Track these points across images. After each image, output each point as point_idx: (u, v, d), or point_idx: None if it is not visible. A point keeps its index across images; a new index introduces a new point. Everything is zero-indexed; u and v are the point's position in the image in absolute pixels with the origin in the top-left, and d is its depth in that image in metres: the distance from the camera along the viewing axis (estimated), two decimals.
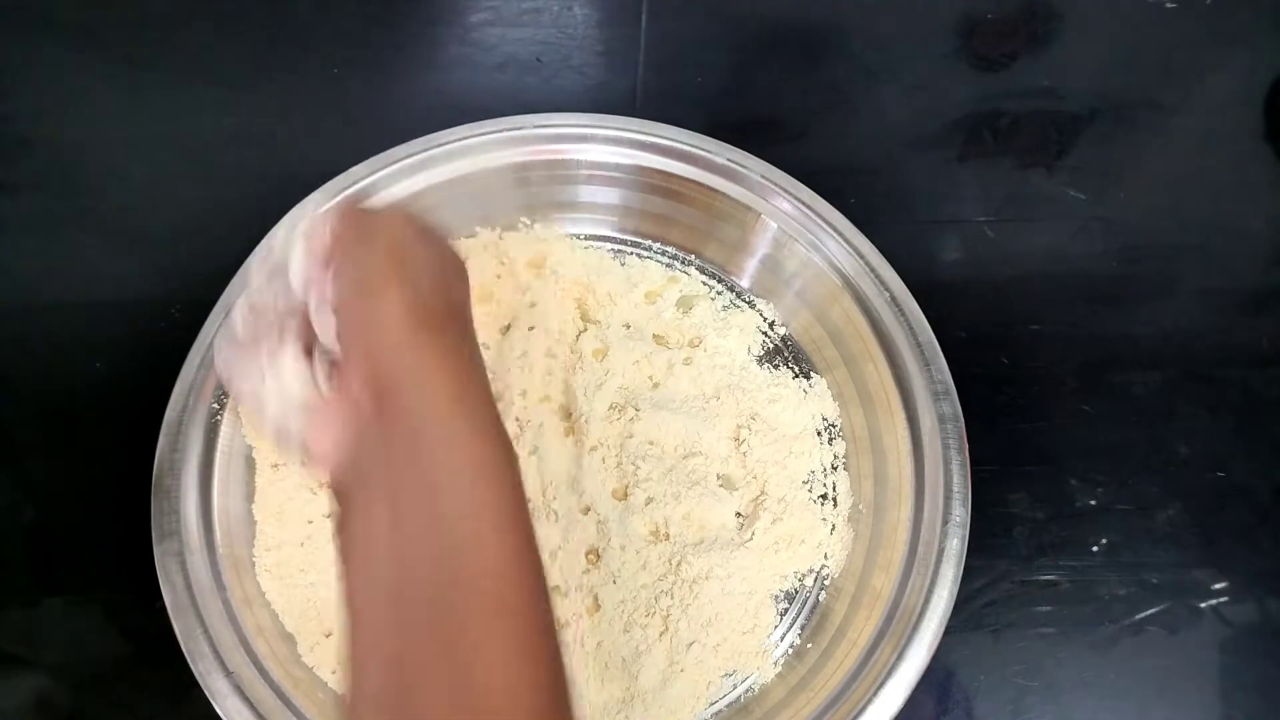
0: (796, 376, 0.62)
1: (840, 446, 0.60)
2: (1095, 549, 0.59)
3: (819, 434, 0.60)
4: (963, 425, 0.54)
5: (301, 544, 0.55)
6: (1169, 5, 0.79)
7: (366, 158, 0.62)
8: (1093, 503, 0.60)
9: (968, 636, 0.55)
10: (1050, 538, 0.59)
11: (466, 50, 0.76)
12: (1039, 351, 0.65)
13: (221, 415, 0.55)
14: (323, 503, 0.55)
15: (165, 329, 0.61)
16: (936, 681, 0.55)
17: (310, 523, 0.55)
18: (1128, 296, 0.68)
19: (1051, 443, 0.62)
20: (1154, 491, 0.61)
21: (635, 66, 0.74)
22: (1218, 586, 0.58)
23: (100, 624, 0.56)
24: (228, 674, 0.48)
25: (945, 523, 0.52)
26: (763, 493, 0.58)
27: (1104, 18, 0.79)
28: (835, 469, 0.60)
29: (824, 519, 0.58)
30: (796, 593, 0.57)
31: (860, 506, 0.58)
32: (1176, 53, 0.78)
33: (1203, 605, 0.57)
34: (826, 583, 0.57)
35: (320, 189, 0.60)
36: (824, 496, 0.59)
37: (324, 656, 0.53)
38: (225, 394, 0.55)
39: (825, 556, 0.57)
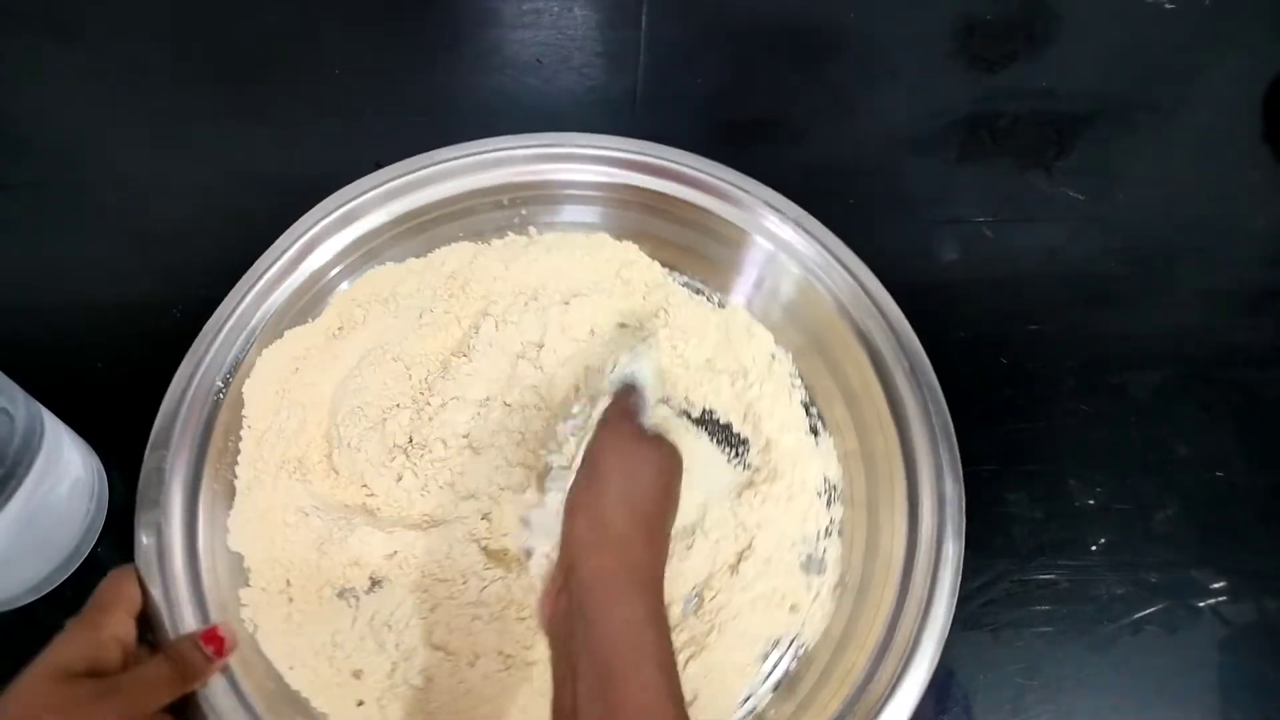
0: (807, 434, 0.60)
1: (838, 511, 0.58)
2: (1094, 548, 0.59)
3: (819, 494, 0.58)
4: (963, 507, 0.52)
5: (290, 583, 0.54)
6: (1168, 6, 0.79)
7: (365, 158, 0.62)
8: (1091, 502, 0.60)
9: (967, 635, 0.55)
10: (1049, 537, 0.59)
11: (467, 51, 0.76)
12: (1037, 351, 0.65)
13: (204, 468, 0.54)
14: (308, 534, 0.55)
15: (166, 329, 0.61)
16: (935, 681, 0.55)
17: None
18: (1127, 296, 0.68)
19: (1050, 442, 0.62)
20: (1152, 491, 0.61)
21: (635, 67, 0.75)
22: (1216, 586, 0.58)
23: None
24: None
25: (927, 611, 0.50)
26: (749, 548, 0.56)
27: (1103, 18, 0.79)
28: (829, 534, 0.57)
29: (809, 585, 0.56)
30: (767, 657, 0.54)
31: (847, 578, 0.55)
32: (1175, 53, 0.78)
33: (1201, 605, 0.57)
34: (800, 652, 0.54)
35: (310, 211, 0.60)
36: (813, 560, 0.56)
37: (314, 685, 0.52)
38: (207, 437, 0.55)
39: (803, 624, 0.55)
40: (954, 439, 0.54)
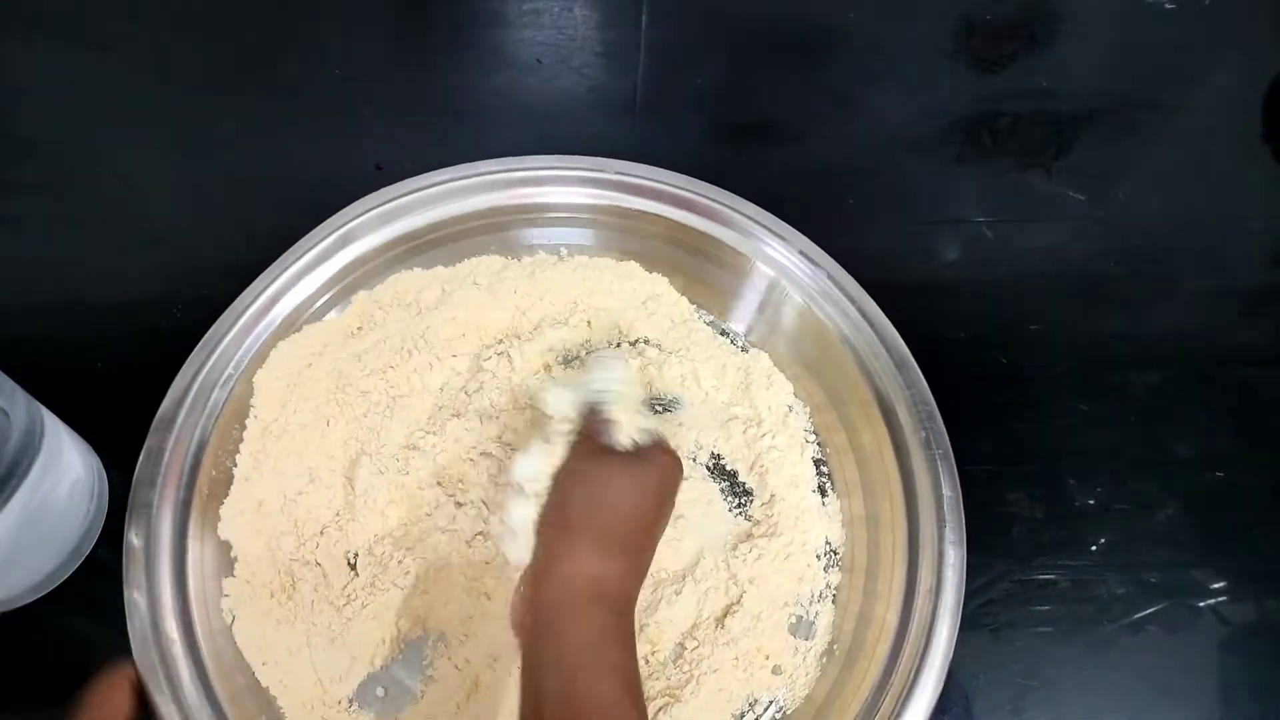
0: (814, 492, 0.59)
1: (835, 577, 0.56)
2: (1094, 548, 0.59)
3: (818, 557, 0.57)
4: (962, 596, 0.51)
5: (274, 577, 0.54)
6: (1168, 6, 0.79)
7: (365, 158, 0.62)
8: (1091, 502, 0.60)
9: (966, 636, 0.55)
10: (1049, 537, 0.59)
11: (466, 51, 0.76)
12: (1038, 351, 0.65)
13: (205, 453, 0.54)
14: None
15: (166, 328, 0.61)
16: None
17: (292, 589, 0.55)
18: (1127, 296, 0.68)
19: (1050, 442, 0.62)
20: (1152, 491, 0.61)
21: (635, 68, 0.75)
22: (1216, 586, 0.58)
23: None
24: None
25: (913, 685, 0.49)
26: (738, 602, 0.54)
27: (1103, 18, 0.79)
28: (823, 599, 0.56)
29: (795, 648, 0.54)
30: (742, 716, 0.53)
31: (835, 646, 0.54)
32: (1176, 53, 0.78)
33: (1201, 605, 0.57)
34: (778, 715, 0.53)
35: (304, 239, 0.60)
36: (803, 623, 0.55)
37: (283, 684, 0.52)
38: (211, 423, 0.55)
39: (784, 687, 0.53)
40: (961, 514, 0.53)
